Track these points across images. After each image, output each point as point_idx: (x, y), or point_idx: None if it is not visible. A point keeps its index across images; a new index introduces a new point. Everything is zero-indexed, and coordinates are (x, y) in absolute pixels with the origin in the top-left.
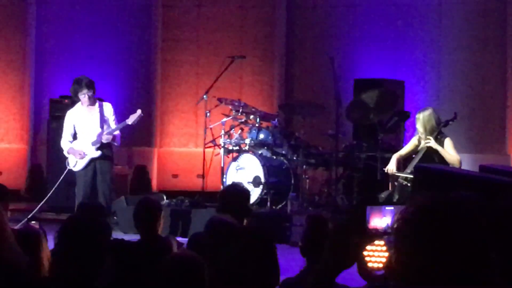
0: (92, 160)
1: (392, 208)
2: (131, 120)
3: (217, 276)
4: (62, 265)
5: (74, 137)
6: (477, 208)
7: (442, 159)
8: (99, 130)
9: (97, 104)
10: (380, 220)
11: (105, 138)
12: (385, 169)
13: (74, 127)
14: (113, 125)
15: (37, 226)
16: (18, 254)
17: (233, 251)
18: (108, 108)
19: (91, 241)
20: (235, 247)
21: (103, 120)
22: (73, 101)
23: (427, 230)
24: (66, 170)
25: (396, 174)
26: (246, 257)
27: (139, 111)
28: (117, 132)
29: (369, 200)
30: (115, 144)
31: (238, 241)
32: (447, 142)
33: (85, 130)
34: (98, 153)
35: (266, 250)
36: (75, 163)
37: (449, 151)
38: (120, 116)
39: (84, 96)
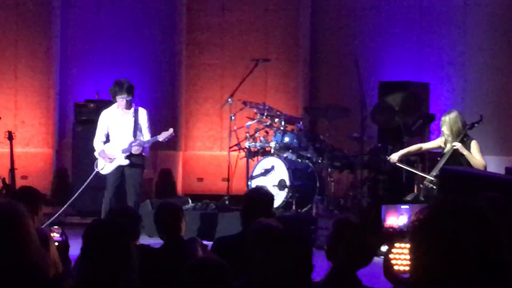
0: (121, 166)
1: (407, 206)
2: (162, 137)
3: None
4: (87, 269)
5: (107, 137)
6: (496, 209)
7: (468, 162)
8: (131, 138)
9: (132, 108)
10: (396, 219)
11: (135, 150)
12: (388, 157)
13: (108, 128)
14: (146, 132)
15: (59, 231)
16: (44, 257)
17: (276, 254)
18: (143, 114)
19: (114, 245)
20: (278, 250)
21: (136, 128)
22: (98, 106)
23: (441, 231)
24: (94, 172)
25: (398, 164)
26: (286, 260)
27: (171, 130)
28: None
29: (385, 200)
30: (143, 154)
31: (282, 245)
32: (473, 145)
33: (117, 134)
34: (127, 161)
35: (305, 253)
36: (103, 167)
37: (475, 155)
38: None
39: (122, 100)
